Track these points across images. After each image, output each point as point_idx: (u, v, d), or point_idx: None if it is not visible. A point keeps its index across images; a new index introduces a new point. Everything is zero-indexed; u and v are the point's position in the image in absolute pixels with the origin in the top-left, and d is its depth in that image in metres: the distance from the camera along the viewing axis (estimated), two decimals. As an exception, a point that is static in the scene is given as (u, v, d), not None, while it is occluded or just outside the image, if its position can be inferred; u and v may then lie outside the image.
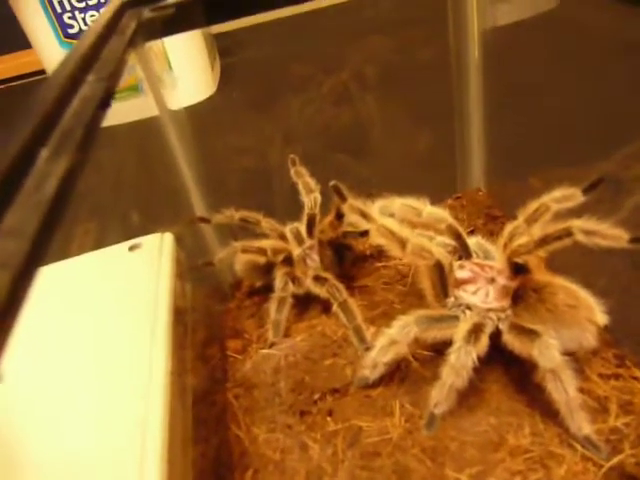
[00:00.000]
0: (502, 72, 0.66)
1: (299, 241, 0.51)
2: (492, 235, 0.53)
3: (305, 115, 0.86)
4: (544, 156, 0.66)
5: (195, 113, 1.18)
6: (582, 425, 0.36)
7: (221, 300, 0.57)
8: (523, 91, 0.77)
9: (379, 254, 0.54)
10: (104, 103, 0.29)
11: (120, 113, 1.17)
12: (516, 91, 0.75)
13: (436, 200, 0.63)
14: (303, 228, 0.51)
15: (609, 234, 0.36)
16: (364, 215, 0.40)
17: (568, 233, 0.36)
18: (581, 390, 0.37)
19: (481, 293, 0.40)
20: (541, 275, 0.39)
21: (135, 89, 1.24)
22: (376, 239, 0.40)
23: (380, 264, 0.54)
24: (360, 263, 0.54)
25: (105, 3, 1.19)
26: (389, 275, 0.53)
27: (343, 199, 0.42)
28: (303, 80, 1.05)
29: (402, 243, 0.39)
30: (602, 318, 0.37)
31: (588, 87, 0.77)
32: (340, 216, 0.49)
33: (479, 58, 0.59)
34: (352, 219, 0.42)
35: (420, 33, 1.01)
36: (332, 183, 0.43)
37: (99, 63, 0.32)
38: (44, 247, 0.18)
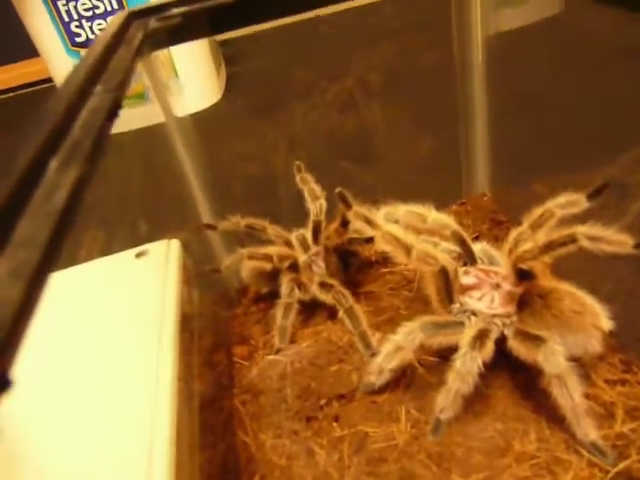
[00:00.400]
0: (506, 78, 0.66)
1: (305, 248, 0.52)
2: (497, 241, 0.53)
3: (310, 121, 0.87)
4: (549, 161, 0.66)
5: (201, 120, 1.19)
6: (588, 431, 0.36)
7: (227, 306, 0.57)
8: (527, 96, 0.77)
9: (384, 260, 0.55)
10: (112, 113, 0.29)
11: (127, 120, 1.18)
12: (520, 96, 0.75)
13: (441, 206, 0.63)
14: (309, 235, 0.52)
15: (614, 240, 0.36)
16: (369, 222, 0.40)
17: (573, 239, 0.36)
18: (587, 396, 0.37)
19: (486, 299, 0.40)
20: (546, 281, 0.39)
21: (141, 96, 1.25)
22: (381, 245, 0.40)
23: (386, 270, 0.54)
24: (366, 269, 0.55)
25: (112, 12, 1.20)
26: (394, 281, 0.53)
27: (348, 206, 0.42)
28: (308, 87, 1.05)
29: (407, 249, 0.39)
30: (607, 324, 0.37)
31: (592, 92, 0.77)
32: (345, 223, 0.49)
33: (483, 63, 0.60)
34: (357, 226, 0.42)
35: (424, 39, 1.02)
36: (337, 190, 0.43)
37: (107, 74, 0.32)
38: (54, 256, 0.18)
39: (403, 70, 1.01)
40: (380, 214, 0.44)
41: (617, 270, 0.45)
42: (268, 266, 0.51)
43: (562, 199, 0.40)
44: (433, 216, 0.43)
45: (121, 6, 1.20)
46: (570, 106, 0.75)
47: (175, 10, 0.46)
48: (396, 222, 0.43)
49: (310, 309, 0.51)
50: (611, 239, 0.36)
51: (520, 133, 0.67)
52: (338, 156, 0.76)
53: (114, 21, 0.42)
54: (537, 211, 0.40)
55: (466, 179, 0.65)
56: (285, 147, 0.82)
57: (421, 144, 0.71)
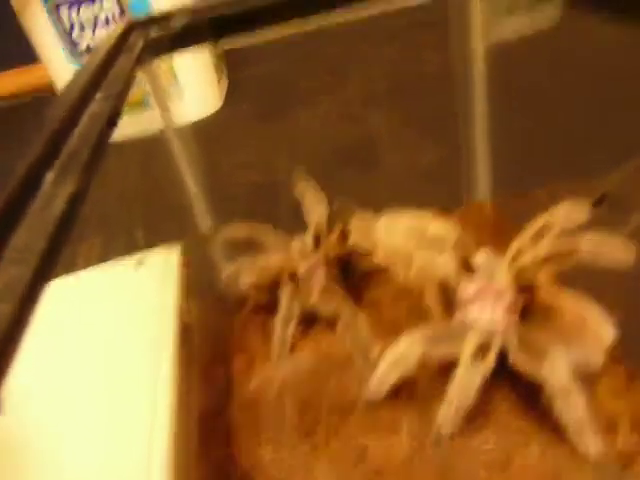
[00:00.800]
0: (507, 86, 0.66)
1: (305, 256, 0.51)
2: (498, 248, 0.53)
3: (311, 128, 0.87)
4: (550, 168, 0.66)
5: (202, 127, 1.19)
6: (592, 443, 0.35)
7: (227, 316, 0.57)
8: (528, 104, 0.77)
9: (385, 268, 0.54)
10: (111, 122, 0.29)
11: (127, 127, 1.19)
12: (521, 104, 0.75)
13: (442, 212, 0.63)
14: (309, 243, 0.51)
15: (616, 252, 0.36)
16: (369, 234, 0.40)
17: (574, 252, 0.36)
18: (591, 408, 0.37)
19: (488, 311, 0.39)
20: (549, 291, 0.39)
21: (141, 104, 1.25)
22: (381, 258, 0.40)
23: (386, 278, 0.54)
24: (366, 278, 0.54)
25: (113, 19, 1.20)
26: (395, 290, 0.52)
27: (349, 217, 0.42)
28: (310, 93, 1.05)
29: (407, 262, 0.39)
30: (611, 334, 0.37)
31: (593, 101, 0.77)
32: (346, 234, 0.48)
33: (484, 71, 0.60)
34: (357, 238, 0.42)
35: (424, 47, 1.02)
36: (338, 201, 0.43)
37: (106, 82, 0.32)
38: (49, 271, 0.18)
39: (404, 77, 1.01)
40: (380, 223, 0.44)
41: (620, 277, 0.44)
42: (268, 276, 0.50)
43: (563, 210, 0.40)
44: (434, 225, 0.43)
45: (123, 14, 1.20)
46: (571, 113, 0.75)
47: (176, 20, 0.46)
48: (396, 231, 0.43)
49: (310, 319, 0.50)
50: (613, 251, 0.36)
51: (522, 140, 0.67)
52: (339, 163, 0.76)
53: (115, 30, 0.42)
54: (538, 222, 0.40)
55: (467, 186, 0.65)
56: (286, 155, 0.82)
57: (423, 151, 0.71)
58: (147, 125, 1.24)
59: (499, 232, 0.58)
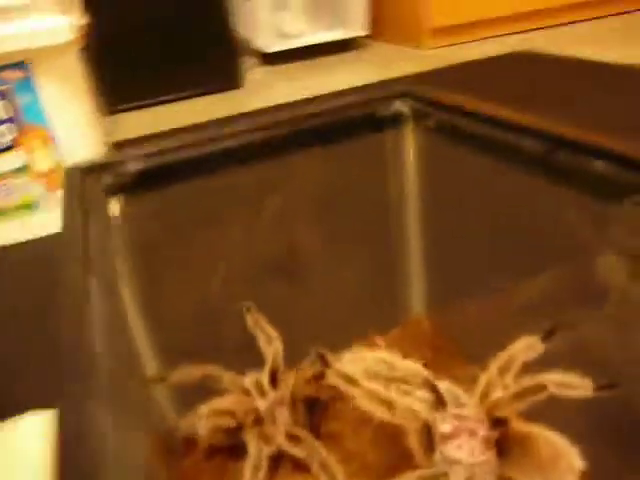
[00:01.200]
0: (438, 199, 0.69)
1: (263, 394, 0.50)
2: (441, 367, 0.55)
3: (237, 243, 0.85)
4: (484, 281, 0.69)
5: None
6: None
7: (175, 462, 0.53)
8: (458, 215, 0.80)
9: (340, 398, 0.54)
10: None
11: (10, 233, 1.12)
12: (452, 216, 0.78)
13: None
14: (266, 380, 0.50)
15: (577, 385, 0.39)
16: (349, 380, 0.41)
17: (542, 388, 0.39)
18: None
19: (466, 447, 0.41)
20: (520, 424, 0.41)
21: (29, 207, 1.17)
22: (363, 403, 0.41)
23: (342, 409, 0.53)
24: (323, 410, 0.54)
25: (8, 121, 1.13)
26: (355, 416, 0.52)
27: (327, 365, 0.42)
28: (243, 197, 1.03)
29: (390, 406, 0.39)
30: (580, 463, 0.39)
31: (522, 210, 0.82)
32: (319, 377, 0.48)
33: (415, 185, 0.64)
34: (335, 382, 0.42)
35: (354, 159, 1.05)
36: (316, 351, 0.43)
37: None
38: None
39: (339, 188, 1.02)
40: (345, 363, 0.45)
41: (579, 403, 0.48)
42: (232, 422, 0.48)
43: (521, 344, 0.43)
44: (402, 364, 0.44)
45: (14, 116, 1.14)
46: (498, 224, 0.79)
47: (128, 166, 0.45)
48: (365, 372, 0.44)
49: (276, 461, 0.48)
50: (574, 384, 0.39)
51: (454, 255, 0.70)
52: (270, 281, 0.76)
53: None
54: (502, 356, 0.43)
55: (403, 303, 0.68)
56: (217, 269, 0.80)
57: (357, 268, 0.73)
58: (38, 229, 1.18)
59: (439, 350, 0.61)
